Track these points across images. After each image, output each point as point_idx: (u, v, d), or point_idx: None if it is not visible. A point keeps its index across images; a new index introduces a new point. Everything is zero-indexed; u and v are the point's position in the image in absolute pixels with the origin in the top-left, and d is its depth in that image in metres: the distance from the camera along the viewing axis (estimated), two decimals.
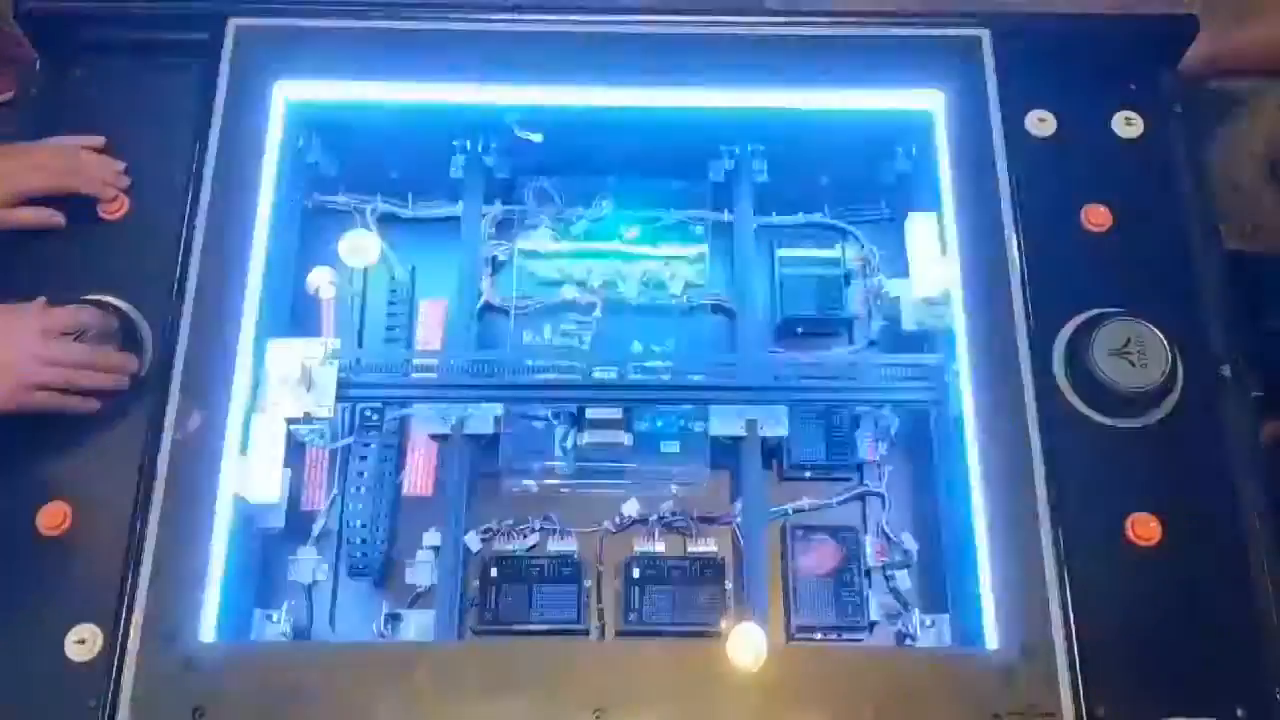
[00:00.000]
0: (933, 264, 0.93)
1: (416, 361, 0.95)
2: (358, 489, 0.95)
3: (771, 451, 0.97)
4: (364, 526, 0.94)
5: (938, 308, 0.95)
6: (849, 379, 0.94)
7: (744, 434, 0.94)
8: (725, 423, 0.94)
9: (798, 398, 0.94)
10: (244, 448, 0.88)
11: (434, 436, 0.97)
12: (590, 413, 0.94)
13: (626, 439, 0.94)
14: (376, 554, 0.95)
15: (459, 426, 0.94)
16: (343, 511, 0.96)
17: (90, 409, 0.86)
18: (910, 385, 0.93)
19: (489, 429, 0.94)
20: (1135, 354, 0.87)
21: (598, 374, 0.93)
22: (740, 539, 0.95)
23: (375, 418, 0.97)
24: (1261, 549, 0.85)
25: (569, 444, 0.95)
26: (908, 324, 0.99)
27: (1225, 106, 1.23)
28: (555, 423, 0.95)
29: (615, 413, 0.94)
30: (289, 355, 0.90)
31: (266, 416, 0.89)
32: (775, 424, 0.94)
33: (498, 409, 0.94)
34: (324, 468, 0.98)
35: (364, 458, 0.96)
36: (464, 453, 0.95)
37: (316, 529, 0.95)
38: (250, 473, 0.87)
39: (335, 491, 0.97)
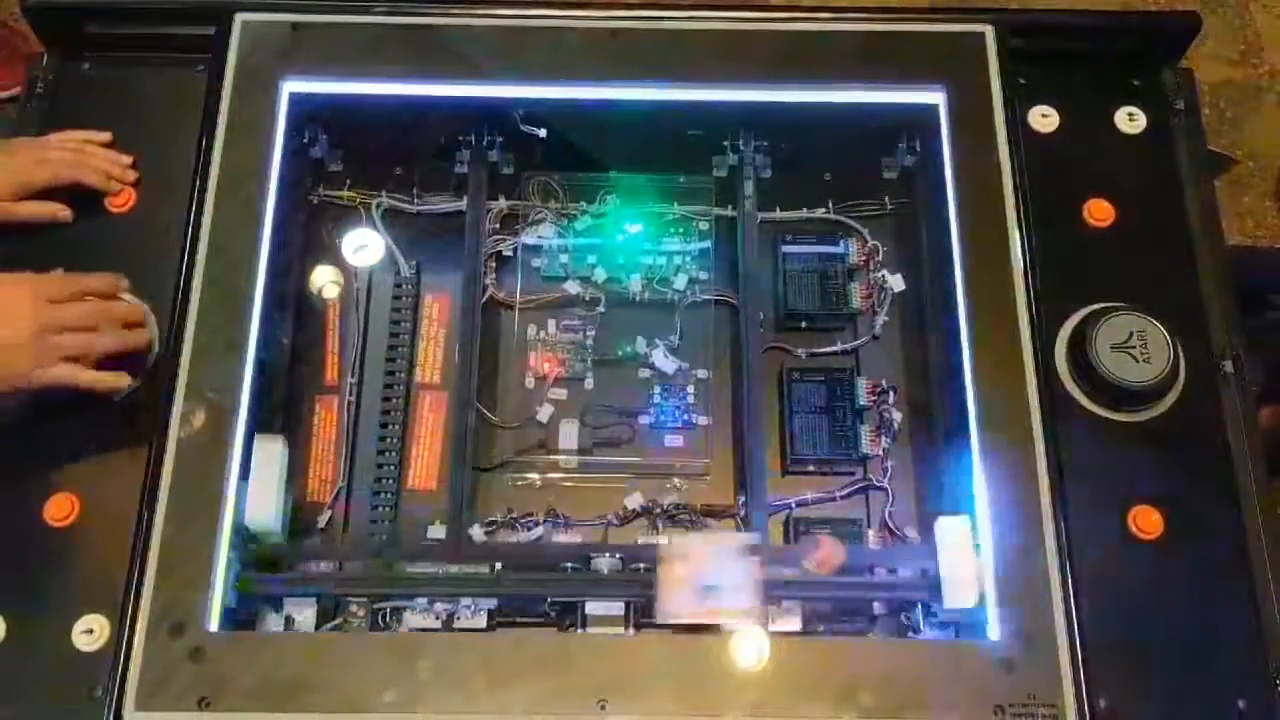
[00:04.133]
0: (965, 573, 0.84)
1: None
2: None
3: None
4: None
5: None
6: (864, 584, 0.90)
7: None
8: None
9: (810, 594, 0.90)
10: (244, 472, 0.87)
11: (422, 630, 0.91)
12: (590, 607, 0.89)
13: (630, 633, 0.88)
14: None
15: (449, 621, 0.90)
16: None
17: (120, 387, 0.85)
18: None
19: (482, 624, 0.90)
20: (1138, 348, 0.88)
21: (598, 564, 0.89)
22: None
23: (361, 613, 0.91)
24: (1262, 542, 0.85)
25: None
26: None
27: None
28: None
29: (617, 607, 0.89)
30: None
31: (268, 440, 0.88)
32: (788, 619, 0.90)
33: (492, 602, 0.90)
34: (329, 462, 0.98)
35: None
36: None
37: (322, 521, 0.96)
38: (251, 498, 0.86)
39: (340, 484, 0.97)
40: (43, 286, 0.83)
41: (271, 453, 0.89)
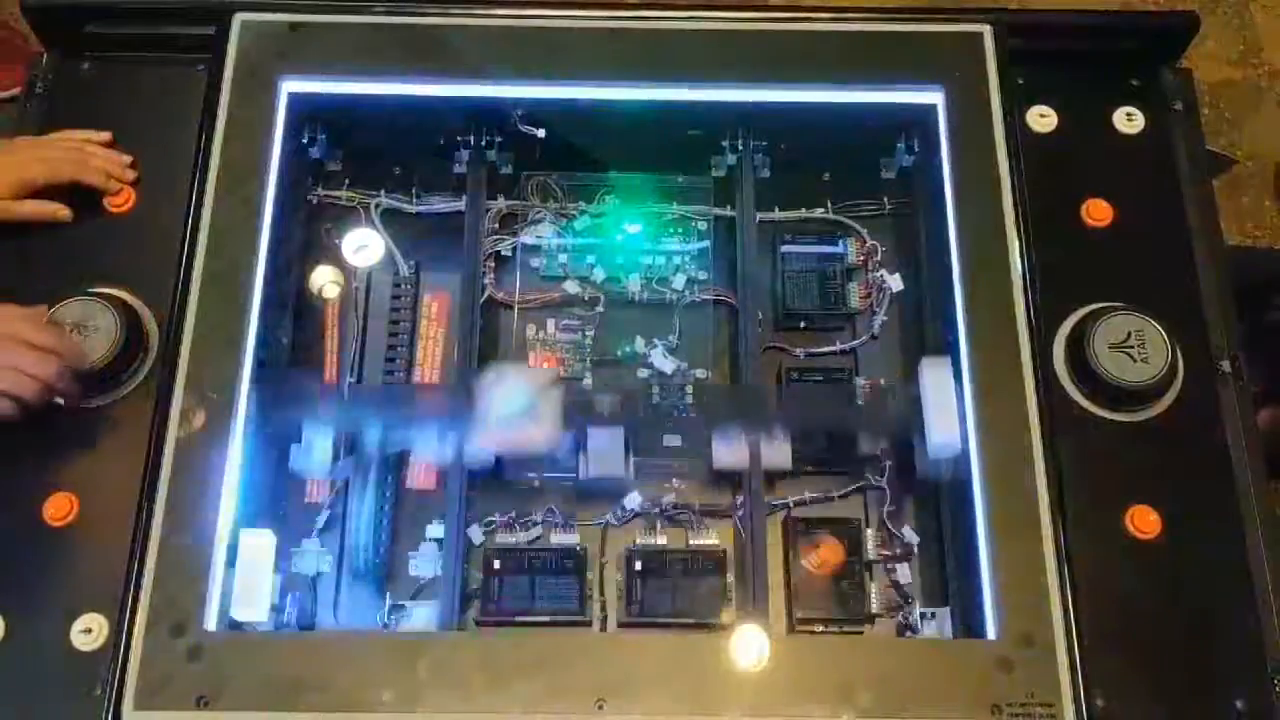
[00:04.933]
0: (948, 414, 0.86)
1: None
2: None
3: None
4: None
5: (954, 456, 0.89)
6: None
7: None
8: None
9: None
10: (230, 560, 0.85)
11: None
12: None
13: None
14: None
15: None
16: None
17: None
18: None
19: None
20: (1136, 348, 0.88)
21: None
22: (742, 532, 0.95)
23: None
24: (1260, 542, 0.85)
25: None
26: (922, 474, 0.94)
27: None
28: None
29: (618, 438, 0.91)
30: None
31: (255, 533, 0.86)
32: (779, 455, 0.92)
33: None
34: None
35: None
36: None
37: (321, 520, 0.96)
38: (237, 590, 0.84)
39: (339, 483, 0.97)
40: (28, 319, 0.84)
41: (261, 544, 0.86)
